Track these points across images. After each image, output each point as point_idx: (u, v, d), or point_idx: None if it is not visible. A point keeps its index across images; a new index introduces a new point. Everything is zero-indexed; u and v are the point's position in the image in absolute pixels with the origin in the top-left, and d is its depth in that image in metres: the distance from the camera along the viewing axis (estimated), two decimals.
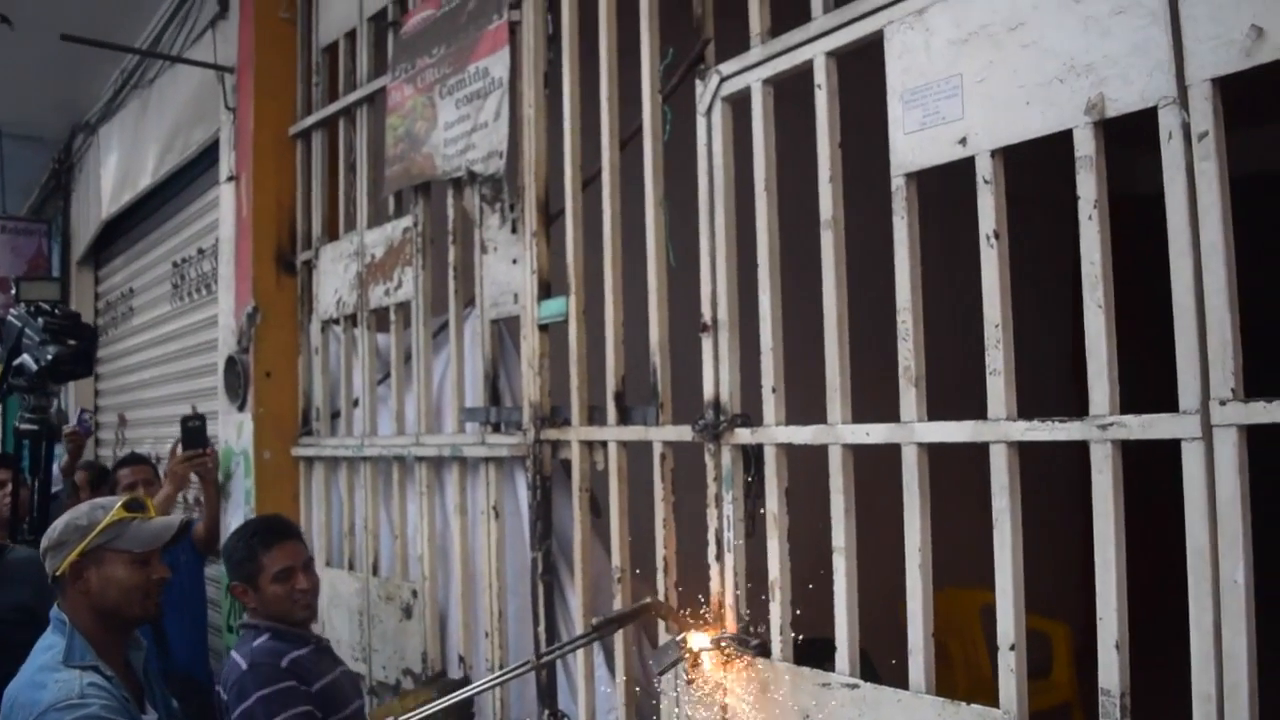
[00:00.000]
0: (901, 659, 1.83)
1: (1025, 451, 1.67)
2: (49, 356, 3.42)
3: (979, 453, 1.72)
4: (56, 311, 3.62)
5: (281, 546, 2.67)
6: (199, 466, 3.90)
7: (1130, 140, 1.68)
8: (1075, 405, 1.61)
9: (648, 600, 2.30)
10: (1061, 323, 5.83)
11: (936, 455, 1.80)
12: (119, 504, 2.36)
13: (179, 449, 3.85)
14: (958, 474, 1.83)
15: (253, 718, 2.45)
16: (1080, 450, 1.59)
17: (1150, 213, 1.92)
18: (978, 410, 1.71)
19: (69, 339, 3.55)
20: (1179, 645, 1.48)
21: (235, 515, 3.91)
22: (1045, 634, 4.39)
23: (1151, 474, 1.92)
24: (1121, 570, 1.52)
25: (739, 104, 2.18)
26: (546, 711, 2.64)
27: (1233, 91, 1.42)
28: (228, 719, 2.53)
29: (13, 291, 6.65)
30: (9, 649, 2.38)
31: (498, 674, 2.25)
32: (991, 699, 1.71)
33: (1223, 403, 1.39)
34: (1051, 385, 2.23)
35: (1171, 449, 1.47)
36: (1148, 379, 1.78)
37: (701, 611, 2.19)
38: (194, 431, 3.83)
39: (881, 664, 2.19)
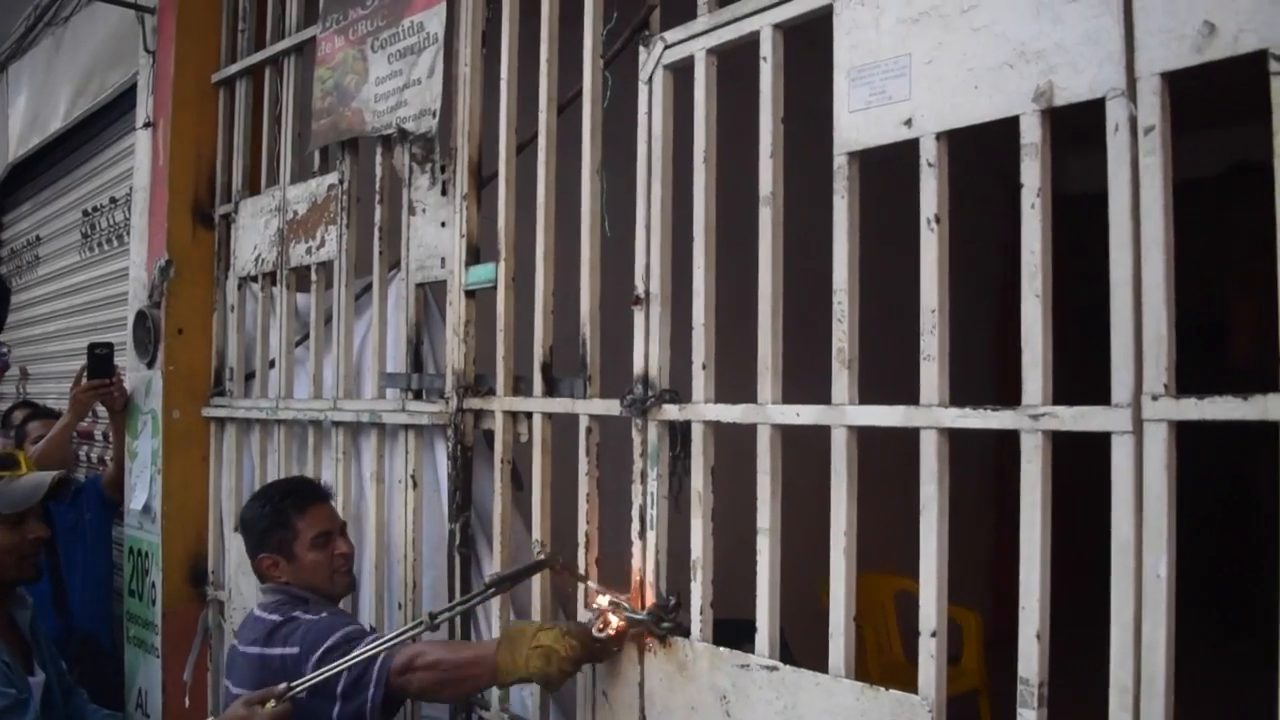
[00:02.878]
0: (819, 642, 1.82)
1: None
2: None
3: (899, 438, 1.71)
4: None
5: (317, 509, 2.47)
6: (104, 395, 3.77)
7: (1062, 139, 1.67)
8: (997, 394, 1.61)
9: (543, 556, 2.27)
10: (985, 311, 5.94)
11: (862, 440, 1.78)
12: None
13: (84, 377, 3.71)
14: (877, 460, 1.83)
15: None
16: (997, 440, 1.59)
17: (1080, 212, 1.94)
18: (907, 396, 1.70)
19: None
20: (1095, 636, 1.49)
21: (141, 477, 3.78)
22: (956, 621, 4.47)
23: (1071, 466, 1.93)
24: (1046, 561, 1.52)
25: (682, 73, 2.13)
26: None
27: (1181, 90, 1.42)
28: None
29: None
30: None
31: (394, 633, 2.16)
32: (902, 683, 1.71)
33: (1155, 398, 1.39)
34: (973, 372, 2.24)
35: (1092, 443, 1.47)
36: (1071, 375, 1.79)
37: (620, 593, 2.16)
38: (101, 359, 3.69)
39: (800, 645, 2.19)
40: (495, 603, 2.46)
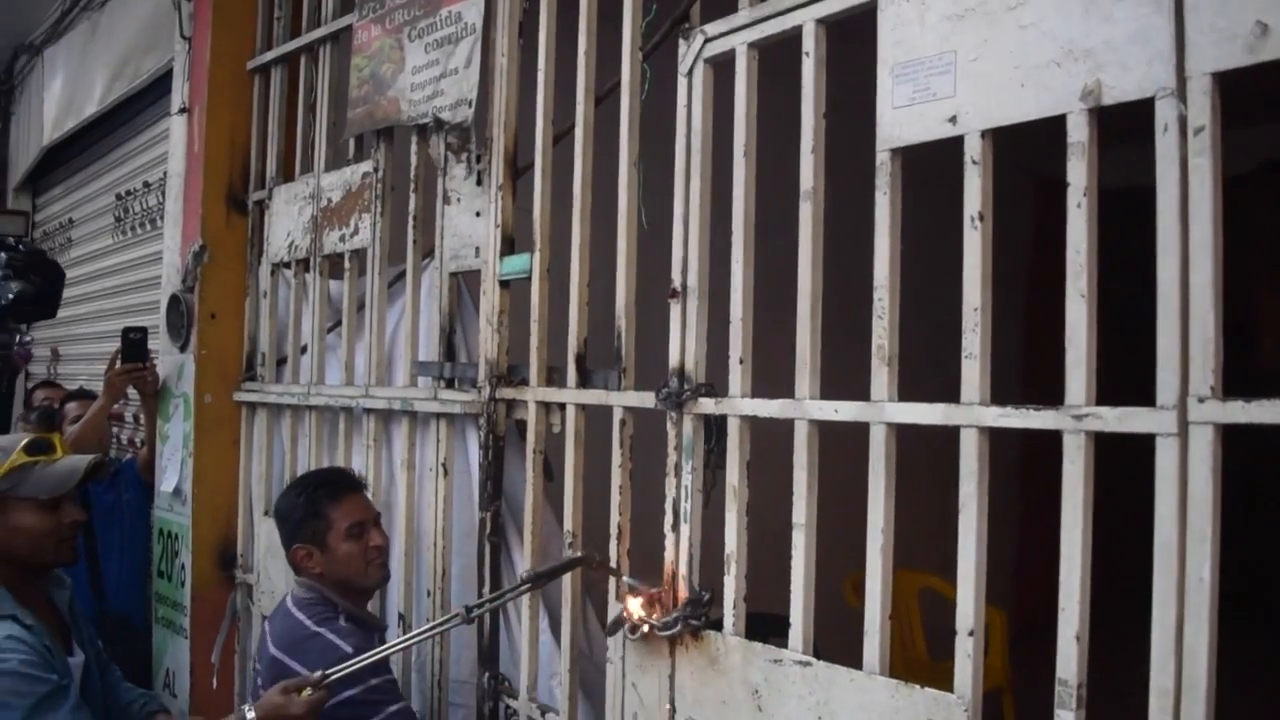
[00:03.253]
0: (843, 639, 1.82)
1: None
2: (10, 294, 3.28)
3: (926, 435, 1.71)
4: (20, 247, 3.48)
5: (351, 499, 2.47)
6: (137, 379, 3.81)
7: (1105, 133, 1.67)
8: (1024, 392, 1.60)
9: (580, 554, 2.27)
10: (1012, 308, 5.91)
11: (900, 435, 1.78)
12: (20, 446, 2.23)
13: (118, 360, 3.75)
14: (905, 456, 1.82)
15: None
16: (1023, 439, 1.58)
17: (1123, 208, 1.93)
18: (942, 393, 1.70)
19: (34, 276, 3.41)
20: (1134, 639, 1.49)
21: (172, 460, 3.81)
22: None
23: (1112, 468, 1.92)
24: (1087, 562, 1.51)
25: (722, 67, 2.12)
26: (487, 674, 2.60)
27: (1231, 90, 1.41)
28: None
29: None
30: None
31: (426, 627, 2.17)
32: (925, 681, 1.71)
33: (1201, 400, 1.38)
34: (1001, 370, 2.24)
35: (1132, 445, 1.47)
36: (1114, 375, 1.78)
37: (652, 587, 2.17)
38: (135, 344, 3.73)
39: (823, 642, 2.19)
40: (526, 597, 2.48)
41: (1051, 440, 1.54)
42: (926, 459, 2.09)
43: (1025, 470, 5.56)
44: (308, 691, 2.01)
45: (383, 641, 2.42)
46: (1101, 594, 2.22)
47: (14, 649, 2.04)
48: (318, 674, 2.05)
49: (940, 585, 4.03)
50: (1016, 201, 4.99)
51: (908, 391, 1.75)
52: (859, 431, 1.80)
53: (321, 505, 2.44)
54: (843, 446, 1.93)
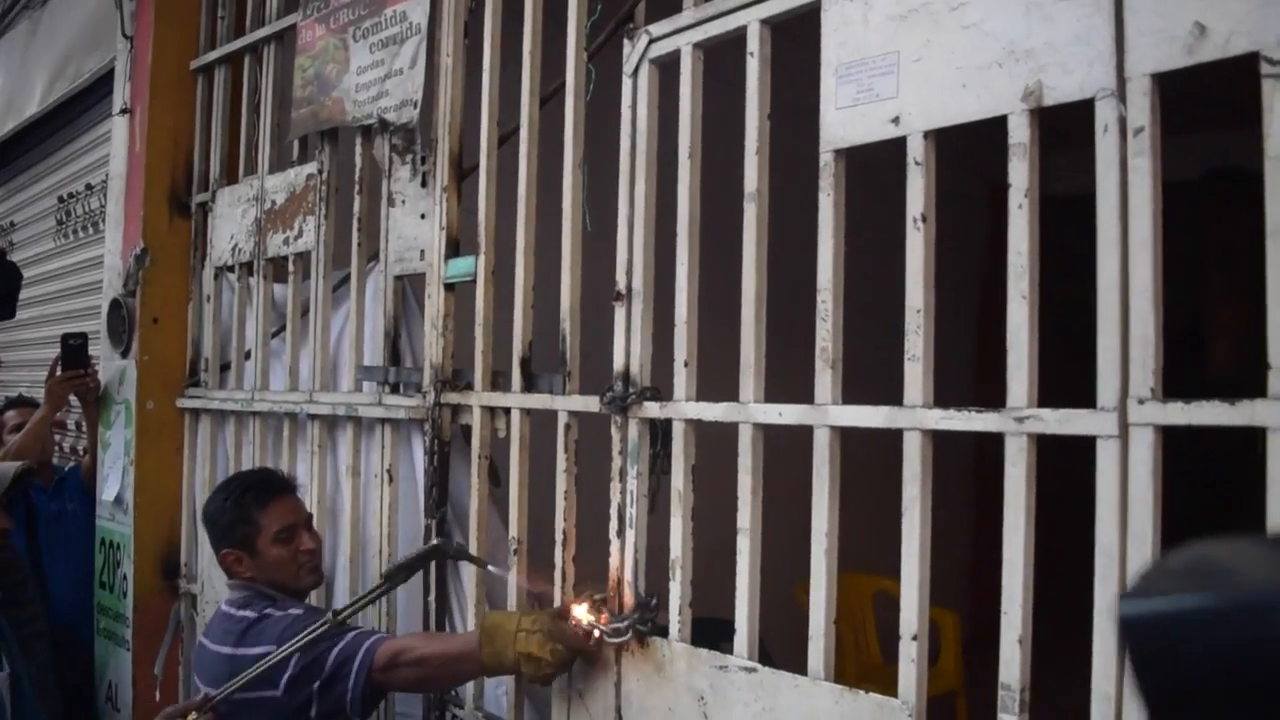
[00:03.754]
0: (797, 645, 1.80)
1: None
2: None
3: (880, 439, 1.69)
4: None
5: (280, 502, 2.41)
6: (78, 387, 3.72)
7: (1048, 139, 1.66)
8: (977, 395, 1.59)
9: (436, 542, 2.30)
10: (965, 312, 5.95)
11: (851, 440, 1.76)
12: None
13: (58, 368, 3.65)
14: (856, 459, 1.81)
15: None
16: (977, 441, 1.58)
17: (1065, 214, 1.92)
18: (888, 397, 1.68)
19: None
20: (1078, 642, 1.48)
21: (114, 468, 3.73)
22: (934, 622, 4.45)
23: (1056, 470, 1.92)
24: (1029, 565, 1.50)
25: (667, 67, 2.10)
26: None
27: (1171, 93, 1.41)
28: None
29: None
30: None
31: (300, 637, 2.14)
32: (879, 685, 1.70)
33: (1141, 401, 1.38)
34: (953, 374, 2.23)
35: (1078, 446, 1.46)
36: (1055, 378, 1.78)
37: (597, 593, 2.14)
38: (75, 350, 3.64)
39: (777, 647, 2.17)
40: (471, 604, 2.44)
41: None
42: (880, 462, 2.08)
43: (979, 473, 5.61)
44: (194, 716, 1.98)
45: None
46: (1053, 598, 2.23)
47: None
48: (202, 695, 2.04)
49: (894, 589, 4.03)
50: (969, 205, 5.02)
51: (863, 395, 1.74)
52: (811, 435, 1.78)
53: (249, 509, 2.37)
54: (796, 451, 1.91)
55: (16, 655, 2.27)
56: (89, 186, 4.76)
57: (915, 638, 1.62)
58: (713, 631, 2.03)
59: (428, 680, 2.13)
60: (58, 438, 4.93)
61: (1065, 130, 1.65)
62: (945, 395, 1.62)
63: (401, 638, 2.18)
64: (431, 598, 2.59)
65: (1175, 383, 1.39)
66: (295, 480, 2.64)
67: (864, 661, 4.46)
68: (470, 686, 2.44)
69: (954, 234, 3.46)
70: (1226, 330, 6.34)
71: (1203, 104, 3.24)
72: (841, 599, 3.78)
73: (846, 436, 1.75)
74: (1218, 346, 6.25)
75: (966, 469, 5.81)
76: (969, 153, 2.52)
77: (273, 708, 2.14)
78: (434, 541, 2.24)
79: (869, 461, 2.19)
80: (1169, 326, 1.42)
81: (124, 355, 3.69)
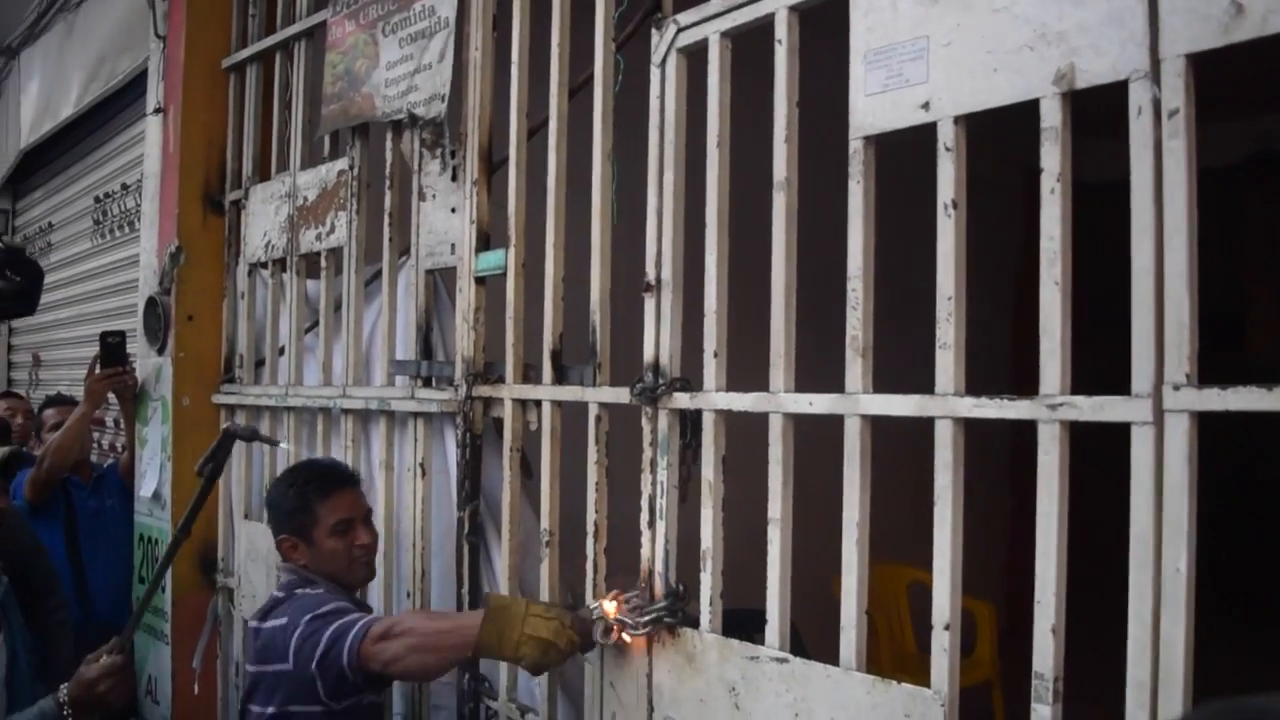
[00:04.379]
0: (832, 635, 1.79)
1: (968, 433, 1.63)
2: None
3: (914, 428, 1.68)
4: None
5: (341, 495, 2.41)
6: (117, 384, 3.76)
7: (1084, 125, 1.64)
8: (1013, 383, 1.57)
9: (225, 426, 2.55)
10: (1002, 299, 5.89)
11: (885, 429, 1.75)
12: None
13: (97, 366, 3.70)
14: (891, 449, 1.79)
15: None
16: (1012, 429, 1.56)
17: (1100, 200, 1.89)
18: (922, 386, 1.67)
19: (12, 274, 3.39)
20: (1111, 631, 1.46)
21: (151, 464, 3.77)
22: (970, 612, 4.42)
23: (1090, 458, 1.90)
24: (1063, 554, 1.48)
25: (695, 57, 2.10)
26: (467, 675, 2.57)
27: (1201, 77, 1.38)
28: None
29: None
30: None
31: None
32: (914, 675, 1.68)
33: (1176, 388, 1.36)
34: (989, 362, 2.22)
35: (1114, 434, 1.44)
36: (1092, 365, 1.76)
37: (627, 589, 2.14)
38: (113, 348, 3.69)
39: (809, 639, 2.16)
40: (505, 583, 2.45)
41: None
42: (915, 451, 2.06)
43: (1015, 462, 5.55)
44: (105, 658, 2.12)
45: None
46: (1088, 587, 2.21)
47: None
48: (114, 640, 2.18)
49: (929, 579, 4.01)
50: (1004, 192, 4.96)
51: (896, 384, 1.72)
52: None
53: (310, 499, 2.38)
54: (833, 441, 1.89)
55: (18, 634, 2.33)
56: (124, 186, 4.82)
57: (948, 627, 1.60)
58: (748, 623, 2.02)
59: (414, 651, 2.09)
60: (96, 435, 5.00)
61: (1102, 116, 1.63)
62: (981, 384, 1.60)
63: (401, 614, 2.20)
64: (465, 590, 2.60)
65: (1215, 369, 1.37)
66: (359, 475, 2.65)
67: (899, 652, 4.43)
68: (504, 677, 2.45)
69: (990, 221, 3.43)
70: (1266, 316, 6.25)
71: (1243, 87, 3.19)
72: (876, 589, 3.77)
73: (886, 426, 1.73)
74: (1257, 333, 6.16)
75: (1002, 457, 5.77)
76: (1005, 138, 2.49)
77: (289, 682, 2.18)
78: (224, 426, 2.37)
79: (903, 451, 2.17)
80: (1208, 312, 1.40)
81: (160, 352, 3.73)
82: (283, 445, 2.38)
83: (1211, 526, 1.65)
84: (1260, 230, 6.09)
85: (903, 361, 2.09)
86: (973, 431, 1.63)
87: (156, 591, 2.36)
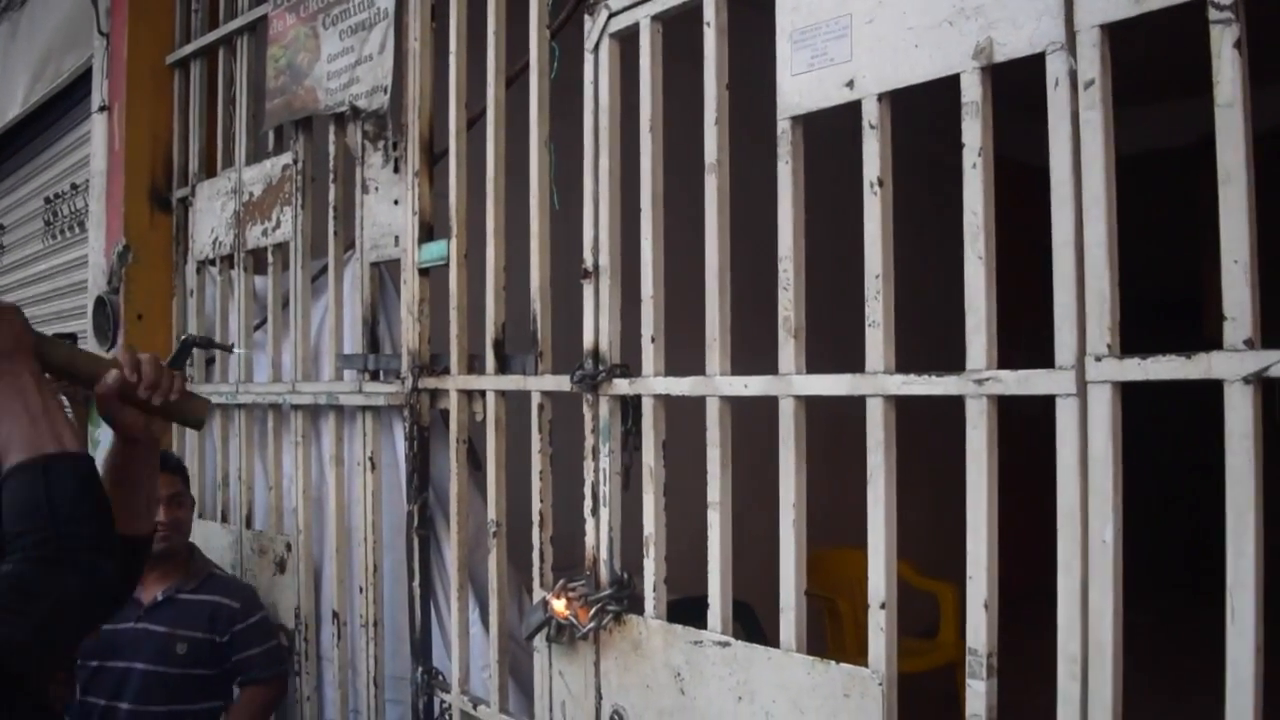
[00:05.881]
0: (810, 621, 1.79)
1: (925, 411, 1.63)
2: None
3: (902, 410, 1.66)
4: None
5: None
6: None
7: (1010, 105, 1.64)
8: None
9: (184, 337, 2.63)
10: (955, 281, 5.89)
11: (849, 415, 1.73)
12: None
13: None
14: (858, 433, 1.78)
15: None
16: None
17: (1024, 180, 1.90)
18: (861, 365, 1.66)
19: None
20: (1049, 607, 1.46)
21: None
22: (933, 594, 4.44)
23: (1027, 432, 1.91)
24: (993, 529, 1.49)
25: (627, 41, 2.08)
26: (420, 669, 2.56)
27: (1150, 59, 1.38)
28: None
29: None
30: None
31: None
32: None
33: (1098, 359, 1.36)
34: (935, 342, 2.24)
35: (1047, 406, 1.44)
36: (1020, 338, 1.76)
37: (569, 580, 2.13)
38: None
39: (772, 623, 2.15)
40: (455, 589, 2.44)
41: (1003, 409, 1.51)
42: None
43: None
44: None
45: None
46: (1037, 563, 2.21)
47: None
48: None
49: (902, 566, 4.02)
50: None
51: (848, 366, 1.70)
52: (823, 406, 1.75)
53: None
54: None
55: None
56: (74, 186, 4.75)
57: (883, 606, 1.61)
58: (704, 611, 2.00)
59: None
60: None
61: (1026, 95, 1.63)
62: (931, 364, 1.59)
63: None
64: (416, 583, 2.58)
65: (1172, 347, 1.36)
66: (180, 461, 2.84)
67: (864, 638, 4.44)
68: (456, 669, 2.44)
69: (935, 200, 3.42)
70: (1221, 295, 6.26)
71: (1196, 69, 3.20)
72: (841, 573, 3.77)
73: (853, 411, 1.70)
74: (1213, 314, 6.18)
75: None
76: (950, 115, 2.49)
77: None
78: (182, 336, 2.54)
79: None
80: (1164, 296, 1.40)
81: (108, 352, 3.68)
82: (236, 350, 2.66)
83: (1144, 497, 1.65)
84: (1216, 210, 6.12)
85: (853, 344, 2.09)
86: (940, 415, 1.60)
87: None
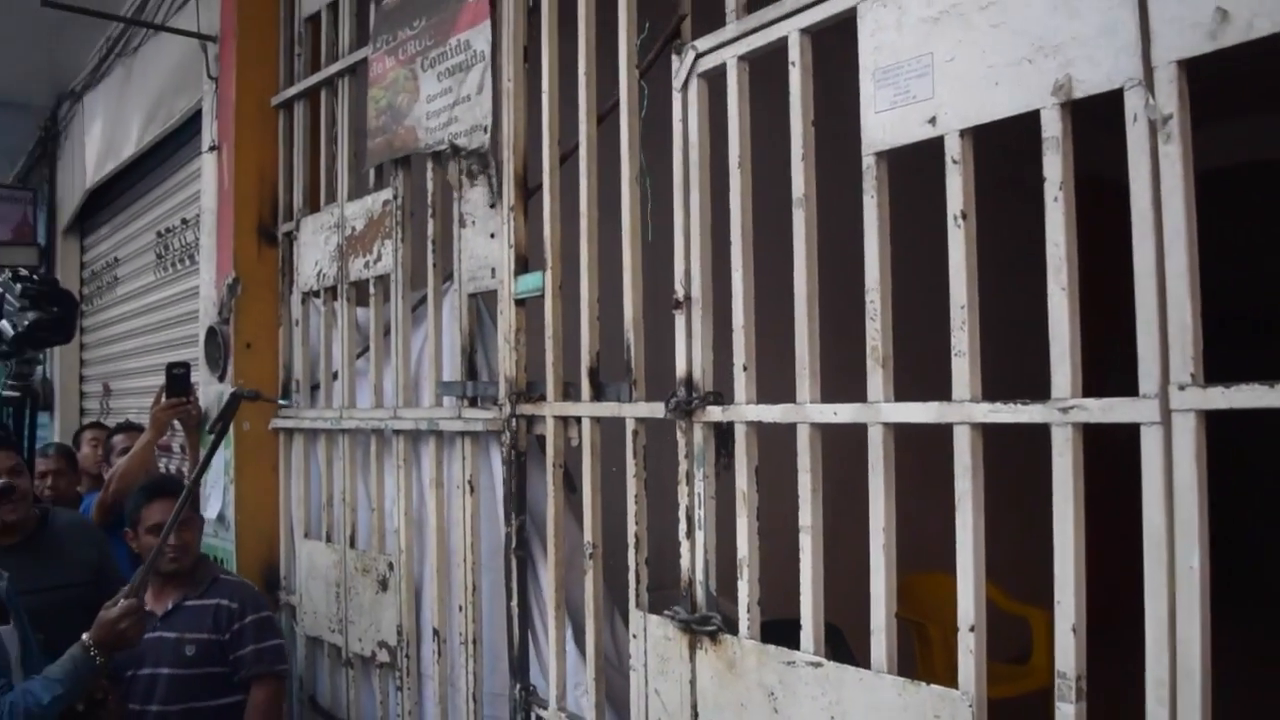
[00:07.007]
0: (903, 644, 1.83)
1: (1016, 439, 1.66)
2: (26, 322, 3.42)
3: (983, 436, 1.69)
4: (35, 277, 3.61)
5: (160, 503, 2.94)
6: (181, 413, 3.90)
7: (1098, 122, 1.67)
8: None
9: (234, 390, 3.06)
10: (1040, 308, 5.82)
11: (938, 442, 1.77)
12: None
13: (163, 396, 3.85)
14: (941, 457, 1.81)
15: None
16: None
17: (1116, 196, 1.91)
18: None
19: (48, 305, 3.54)
20: (1137, 631, 1.48)
21: (215, 487, 3.91)
22: (1025, 619, 4.40)
23: (1116, 459, 1.92)
24: (1080, 554, 1.52)
25: (715, 80, 2.16)
26: (518, 685, 2.64)
27: (1202, 81, 1.41)
28: None
29: None
30: (86, 608, 2.57)
31: None
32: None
33: (1181, 387, 1.39)
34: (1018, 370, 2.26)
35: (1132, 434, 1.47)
36: (1109, 364, 1.77)
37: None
38: (178, 379, 3.83)
39: (865, 646, 2.19)
40: (552, 611, 2.52)
41: (1089, 436, 1.54)
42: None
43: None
44: (121, 602, 2.47)
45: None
46: (1119, 590, 2.21)
47: None
48: (125, 587, 2.54)
49: (993, 590, 3.99)
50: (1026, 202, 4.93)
51: (931, 393, 1.75)
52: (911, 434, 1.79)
53: (139, 503, 3.01)
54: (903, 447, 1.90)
55: (26, 626, 2.49)
56: (184, 221, 5.00)
57: (973, 629, 1.64)
58: (790, 633, 2.05)
59: None
60: (164, 460, 5.18)
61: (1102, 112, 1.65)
62: (1016, 392, 1.62)
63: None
64: (514, 603, 2.68)
65: (1253, 370, 1.38)
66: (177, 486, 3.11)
67: (954, 663, 4.41)
68: (552, 687, 2.52)
69: (1019, 229, 3.42)
70: None
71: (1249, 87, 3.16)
72: (932, 598, 3.76)
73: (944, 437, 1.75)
74: None
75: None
76: (1026, 145, 2.51)
77: None
78: (231, 389, 2.89)
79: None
80: (1242, 314, 1.42)
81: (221, 380, 3.87)
82: (281, 401, 3.08)
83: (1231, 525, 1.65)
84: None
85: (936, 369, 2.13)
86: (1032, 442, 1.64)
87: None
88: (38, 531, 3.08)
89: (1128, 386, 1.49)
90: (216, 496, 3.90)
